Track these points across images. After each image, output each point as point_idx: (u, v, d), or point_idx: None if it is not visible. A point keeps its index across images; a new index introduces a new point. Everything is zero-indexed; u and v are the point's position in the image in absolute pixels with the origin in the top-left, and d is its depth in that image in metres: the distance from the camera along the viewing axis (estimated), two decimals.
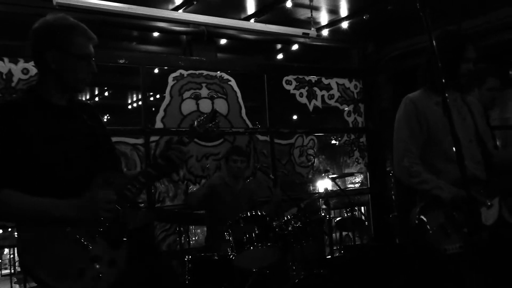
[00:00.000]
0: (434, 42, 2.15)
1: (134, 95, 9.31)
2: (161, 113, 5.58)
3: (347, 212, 7.01)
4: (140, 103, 6.06)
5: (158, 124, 5.54)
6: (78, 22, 2.25)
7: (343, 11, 6.14)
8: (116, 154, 2.46)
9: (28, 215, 2.03)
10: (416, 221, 2.74)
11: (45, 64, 2.18)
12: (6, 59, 4.85)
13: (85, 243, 2.07)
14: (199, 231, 6.27)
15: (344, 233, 7.42)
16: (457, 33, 3.05)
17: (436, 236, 2.68)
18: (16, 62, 4.88)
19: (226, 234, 4.03)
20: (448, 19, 3.96)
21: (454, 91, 3.04)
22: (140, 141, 5.39)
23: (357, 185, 9.08)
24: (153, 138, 5.46)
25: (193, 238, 7.04)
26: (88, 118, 2.30)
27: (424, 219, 2.74)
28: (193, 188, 5.53)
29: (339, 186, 5.49)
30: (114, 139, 5.04)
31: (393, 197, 7.62)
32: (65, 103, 2.26)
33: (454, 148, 2.18)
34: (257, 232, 3.96)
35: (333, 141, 9.56)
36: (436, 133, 2.87)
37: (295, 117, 10.17)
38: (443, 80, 2.20)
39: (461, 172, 2.20)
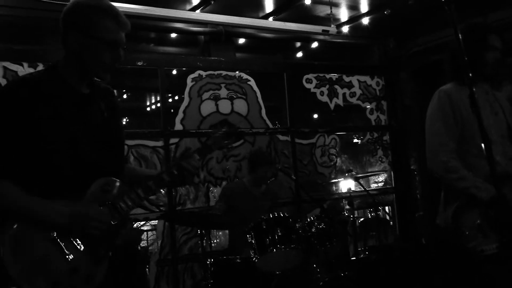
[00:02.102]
0: (460, 36, 2.13)
1: (153, 97, 9.37)
2: (180, 115, 5.60)
3: (371, 212, 6.94)
4: (159, 105, 6.08)
5: (178, 126, 5.56)
6: (112, 6, 2.16)
7: (364, 7, 6.09)
8: (123, 152, 2.39)
9: (19, 213, 1.99)
10: (451, 221, 2.71)
11: (67, 45, 2.14)
12: (25, 64, 4.91)
13: (67, 252, 2.01)
14: (220, 233, 6.28)
15: (368, 234, 7.36)
16: (479, 24, 3.01)
17: (474, 237, 2.64)
18: (35, 67, 4.93)
19: (249, 237, 4.03)
20: (473, 11, 3.91)
21: (484, 84, 2.99)
22: (159, 143, 5.41)
23: (380, 184, 9.02)
24: (172, 140, 5.48)
25: (215, 241, 7.05)
26: (106, 109, 2.23)
27: (460, 219, 2.71)
28: (213, 190, 5.54)
29: (362, 186, 5.45)
30: (133, 142, 5.20)
31: (418, 196, 7.55)
32: (85, 89, 2.20)
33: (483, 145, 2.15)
34: (279, 234, 3.94)
35: (356, 140, 9.52)
36: (469, 127, 2.83)
37: (316, 115, 10.14)
38: (470, 74, 2.17)
39: (490, 171, 2.17)
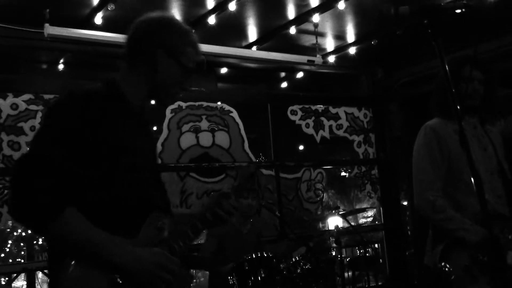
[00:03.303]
0: (447, 69, 2.18)
1: None
2: (158, 148, 5.59)
3: (359, 250, 6.93)
4: None
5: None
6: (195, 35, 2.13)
7: (350, 37, 6.19)
8: (162, 181, 2.25)
9: (83, 247, 1.78)
10: (439, 263, 2.71)
11: (147, 61, 2.06)
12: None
13: None
14: (200, 274, 6.21)
15: (357, 273, 7.33)
16: (455, 56, 3.07)
17: (462, 280, 2.64)
18: (4, 97, 4.91)
19: (231, 278, 3.99)
20: (462, 44, 4.00)
21: (472, 118, 3.03)
22: None
23: (370, 220, 9.04)
24: None
25: (194, 281, 6.96)
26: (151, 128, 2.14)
27: (448, 260, 2.71)
28: None
29: (350, 223, 5.46)
30: None
31: (409, 232, 7.57)
32: (140, 109, 2.10)
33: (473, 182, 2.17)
34: (263, 275, 3.91)
35: (343, 173, 9.57)
36: (457, 163, 2.86)
37: (301, 147, 10.19)
38: (459, 108, 2.20)
39: (482, 210, 2.18)
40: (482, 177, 2.87)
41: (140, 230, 1.94)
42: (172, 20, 2.15)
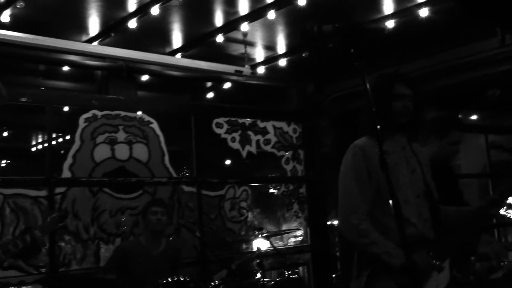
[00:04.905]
0: (369, 89, 2.27)
1: (40, 136, 9.10)
2: (69, 160, 5.46)
3: (285, 274, 7.00)
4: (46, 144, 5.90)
5: (66, 173, 5.41)
6: None
7: (281, 48, 6.31)
8: None
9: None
10: None
11: None
12: None
13: None
14: None
15: None
16: (385, 73, 3.19)
17: None
18: None
19: None
20: (388, 62, 4.19)
21: (401, 137, 3.13)
22: (43, 193, 5.24)
23: (300, 239, 9.15)
24: (59, 190, 5.32)
25: None
26: None
27: (374, 286, 2.79)
28: (104, 247, 5.42)
29: (273, 245, 5.52)
30: (10, 190, 5.00)
31: (338, 254, 7.73)
32: None
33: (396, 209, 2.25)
34: None
35: (272, 190, 9.66)
36: (384, 185, 2.92)
37: (228, 162, 10.22)
38: (379, 129, 2.28)
39: (400, 235, 2.27)
40: (409, 200, 2.98)
41: None
42: None
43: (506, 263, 4.02)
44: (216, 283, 4.26)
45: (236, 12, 5.39)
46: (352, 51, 2.30)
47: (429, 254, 2.89)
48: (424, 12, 5.27)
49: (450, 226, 3.17)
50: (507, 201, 11.45)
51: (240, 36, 5.79)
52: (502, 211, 11.29)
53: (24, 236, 2.40)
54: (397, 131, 3.10)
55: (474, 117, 9.42)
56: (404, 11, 5.35)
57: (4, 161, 9.06)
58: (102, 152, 5.66)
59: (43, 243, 2.56)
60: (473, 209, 3.30)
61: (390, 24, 5.42)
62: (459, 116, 8.00)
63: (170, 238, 5.27)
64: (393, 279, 2.78)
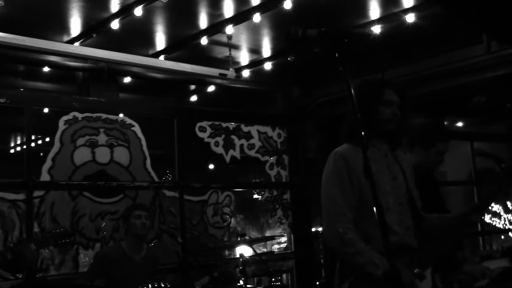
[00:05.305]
0: (353, 94, 2.28)
1: (18, 138, 9.04)
2: (48, 163, 5.42)
3: (270, 281, 7.00)
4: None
5: (45, 176, 5.38)
6: None
7: (266, 51, 6.34)
8: None
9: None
10: None
11: None
12: None
13: None
14: None
15: None
16: (373, 79, 3.21)
17: None
18: None
19: None
20: (373, 67, 4.23)
21: (383, 145, 3.15)
22: (21, 196, 5.20)
23: (284, 245, 9.16)
24: (37, 193, 5.29)
25: None
26: None
27: None
28: (84, 252, 5.39)
29: (255, 252, 5.53)
30: None
31: (322, 261, 7.75)
32: None
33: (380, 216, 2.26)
34: None
35: (255, 195, 9.68)
36: (367, 193, 2.92)
37: (211, 166, 10.23)
38: (364, 136, 2.29)
39: (384, 244, 2.28)
40: (391, 208, 2.99)
41: None
42: None
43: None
44: None
45: (221, 14, 5.42)
46: (336, 55, 2.31)
47: (411, 262, 2.91)
48: (410, 18, 5.33)
49: (432, 234, 3.20)
50: (493, 209, 11.57)
51: (224, 39, 5.81)
52: (487, 219, 11.41)
53: (16, 248, 2.38)
54: (380, 138, 3.12)
55: (460, 124, 9.52)
56: (390, 16, 5.41)
57: None
58: (82, 155, 5.62)
59: (34, 258, 2.53)
60: (454, 216, 3.33)
61: (376, 29, 5.48)
62: (445, 123, 8.08)
63: (151, 244, 5.25)
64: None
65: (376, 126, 3.03)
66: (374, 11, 5.37)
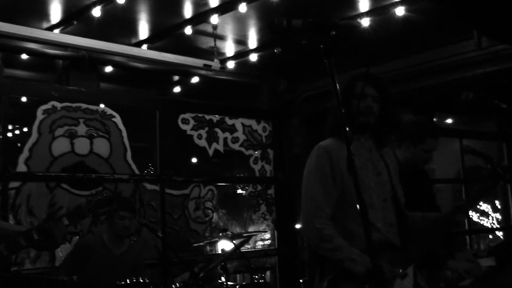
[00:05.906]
0: (338, 88, 2.29)
1: None
2: (25, 153, 5.38)
3: (252, 278, 7.02)
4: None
5: (21, 167, 5.34)
6: None
7: (252, 43, 6.33)
8: None
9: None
10: None
11: None
12: None
13: None
14: None
15: None
16: (351, 73, 3.21)
17: None
18: None
19: None
20: (362, 62, 4.23)
21: (368, 140, 3.15)
22: None
23: (267, 243, 9.18)
24: (13, 185, 5.25)
25: None
26: None
27: None
28: (61, 246, 5.36)
29: (237, 248, 5.54)
30: None
31: (306, 258, 7.76)
32: None
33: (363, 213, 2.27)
34: None
35: (239, 190, 9.68)
36: (349, 189, 2.93)
37: (194, 160, 10.20)
38: (348, 130, 2.29)
39: (367, 241, 2.30)
40: (375, 204, 3.01)
41: None
42: None
43: None
44: (178, 286, 4.24)
45: (206, 3, 5.40)
46: (321, 47, 2.31)
47: (393, 260, 2.93)
48: (400, 11, 5.35)
49: (415, 232, 3.23)
50: (481, 208, 11.68)
51: (209, 29, 5.80)
52: (475, 218, 11.51)
53: (41, 227, 2.35)
54: (362, 133, 3.12)
55: (449, 120, 9.57)
56: (380, 9, 5.42)
57: None
58: (60, 146, 5.59)
59: (65, 236, 2.50)
60: (439, 215, 3.36)
61: (365, 22, 5.48)
62: (434, 119, 8.12)
63: (132, 242, 5.23)
64: (355, 286, 2.82)
65: (350, 119, 3.04)
66: (363, 3, 5.37)
